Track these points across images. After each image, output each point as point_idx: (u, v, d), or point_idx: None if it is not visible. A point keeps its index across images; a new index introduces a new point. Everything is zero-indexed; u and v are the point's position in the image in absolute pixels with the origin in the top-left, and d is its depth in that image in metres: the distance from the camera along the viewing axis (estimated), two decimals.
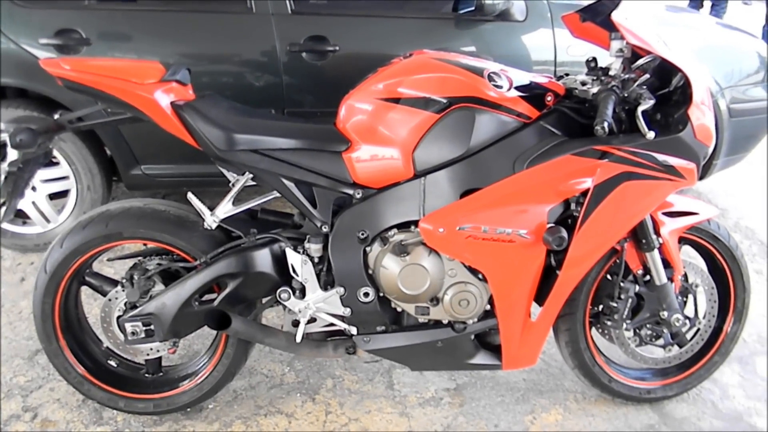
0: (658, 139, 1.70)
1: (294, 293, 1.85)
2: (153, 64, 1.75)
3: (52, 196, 2.98)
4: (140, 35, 2.83)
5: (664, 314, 2.00)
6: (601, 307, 2.05)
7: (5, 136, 2.79)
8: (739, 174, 4.17)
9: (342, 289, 1.84)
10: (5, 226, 2.99)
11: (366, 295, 1.85)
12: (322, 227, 1.83)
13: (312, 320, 1.94)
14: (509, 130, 1.75)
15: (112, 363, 2.07)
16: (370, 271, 1.85)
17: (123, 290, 1.89)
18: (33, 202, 2.93)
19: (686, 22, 3.67)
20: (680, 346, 2.12)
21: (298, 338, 1.86)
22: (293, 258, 1.82)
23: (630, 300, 1.97)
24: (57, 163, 2.91)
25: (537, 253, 1.77)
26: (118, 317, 1.90)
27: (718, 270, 2.12)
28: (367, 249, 1.83)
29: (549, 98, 1.80)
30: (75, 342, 2.00)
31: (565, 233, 1.71)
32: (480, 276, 1.82)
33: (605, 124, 1.58)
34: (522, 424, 2.11)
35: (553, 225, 1.73)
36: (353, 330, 1.88)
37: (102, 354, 2.07)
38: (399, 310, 1.90)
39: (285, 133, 1.79)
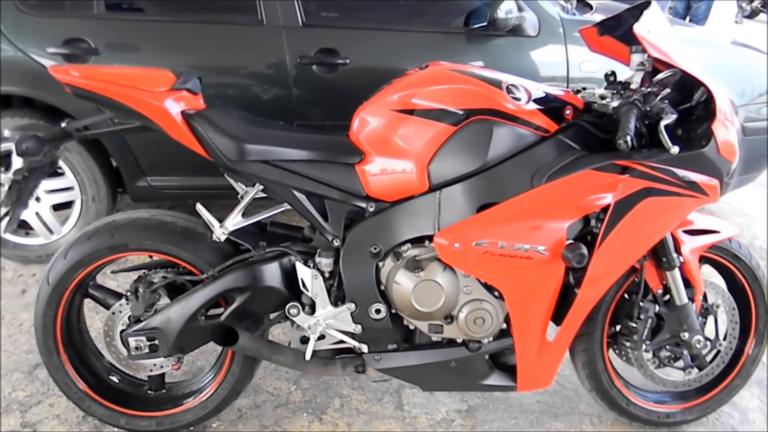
0: (681, 155, 1.64)
1: (303, 309, 1.79)
2: (163, 73, 1.71)
3: (56, 207, 2.94)
4: (149, 46, 2.80)
5: (685, 335, 1.94)
6: (619, 327, 1.99)
7: (11, 145, 2.76)
8: (751, 194, 4.11)
9: (353, 305, 1.78)
10: (7, 236, 2.94)
11: (378, 311, 1.79)
12: (334, 241, 1.77)
13: (321, 337, 1.88)
14: (527, 144, 1.71)
15: (114, 379, 2.01)
16: (383, 287, 1.79)
17: (127, 303, 1.83)
18: (36, 213, 2.88)
19: (697, 37, 3.64)
20: (700, 369, 2.05)
21: (308, 355, 1.79)
22: (303, 272, 1.76)
23: (650, 320, 1.91)
24: (62, 174, 2.86)
25: (555, 271, 1.71)
26: (122, 331, 1.84)
27: (739, 290, 2.06)
28: (380, 264, 1.78)
29: (568, 112, 1.76)
30: (76, 356, 1.94)
31: (585, 250, 1.65)
32: (496, 293, 1.77)
33: (628, 138, 1.54)
34: None
35: (572, 242, 1.68)
36: (364, 348, 1.82)
37: (104, 369, 2.01)
38: (411, 327, 1.84)
39: (297, 144, 1.74)
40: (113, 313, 1.86)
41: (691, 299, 1.92)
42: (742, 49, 3.54)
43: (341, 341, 1.85)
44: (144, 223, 1.81)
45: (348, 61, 2.79)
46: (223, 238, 1.76)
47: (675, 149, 1.57)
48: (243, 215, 1.79)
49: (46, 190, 2.86)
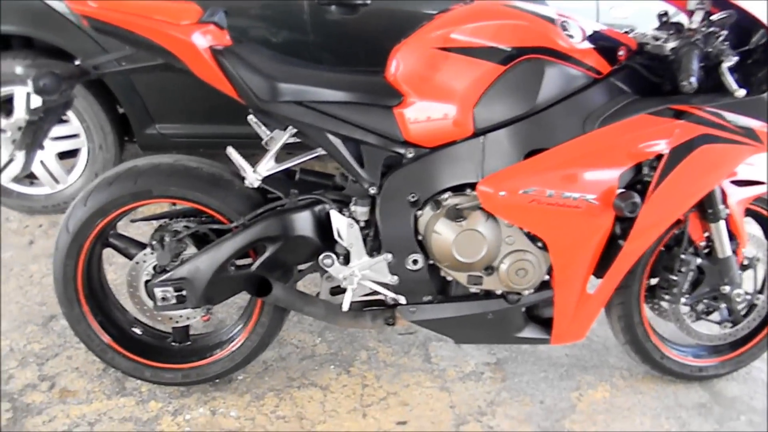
0: (741, 100, 1.56)
1: (337, 259, 1.71)
2: (189, 5, 1.59)
3: (61, 156, 2.82)
4: None
5: (726, 289, 1.89)
6: (656, 280, 1.93)
7: (12, 89, 2.63)
8: None
9: (390, 256, 1.71)
10: (11, 186, 2.82)
11: (415, 262, 1.72)
12: (370, 189, 1.69)
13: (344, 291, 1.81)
14: (579, 86, 1.61)
15: (137, 330, 1.94)
16: (420, 237, 1.72)
17: (152, 253, 1.75)
18: (41, 162, 2.76)
19: None
20: (735, 323, 2.01)
21: (345, 306, 1.72)
22: (338, 221, 1.68)
23: (691, 273, 1.85)
24: (67, 121, 2.73)
25: (604, 221, 1.64)
26: (146, 282, 1.77)
27: None
28: (418, 213, 1.70)
29: (621, 53, 1.66)
30: (98, 308, 1.86)
31: (638, 199, 1.58)
32: (540, 244, 1.70)
33: (692, 79, 1.46)
34: (568, 401, 2.01)
35: (624, 190, 1.60)
36: (401, 299, 1.75)
37: (126, 321, 1.94)
38: (449, 279, 1.77)
39: (332, 85, 1.64)
40: (137, 263, 1.78)
41: (734, 252, 1.87)
42: None
43: (373, 293, 1.78)
44: (168, 168, 1.72)
45: (368, 1, 2.64)
46: (256, 184, 1.67)
47: (741, 92, 1.49)
48: (275, 161, 1.69)
49: (51, 137, 2.73)
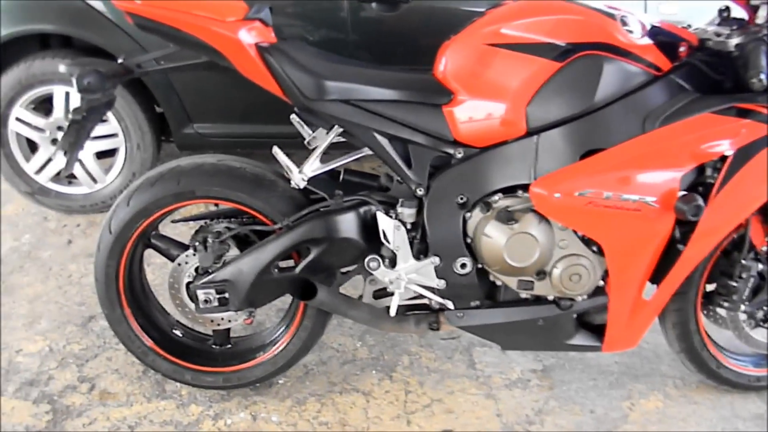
0: None
1: (383, 262, 1.66)
2: (235, 2, 1.55)
3: (99, 155, 2.81)
4: None
5: None
6: (714, 286, 1.85)
7: (52, 88, 2.63)
8: None
9: (437, 259, 1.65)
10: (50, 185, 2.83)
11: (463, 266, 1.66)
12: (417, 190, 1.64)
13: (390, 294, 1.77)
14: (639, 83, 1.54)
15: (177, 333, 1.92)
16: (469, 240, 1.66)
17: (194, 254, 1.72)
18: (80, 161, 2.76)
19: None
20: None
21: (392, 311, 1.68)
22: (385, 223, 1.63)
23: (752, 279, 1.76)
24: (105, 120, 2.72)
25: (664, 225, 1.57)
26: (188, 283, 1.74)
27: None
28: (467, 215, 1.64)
29: (682, 49, 1.58)
30: (139, 309, 1.84)
31: (702, 202, 1.50)
32: (595, 248, 1.63)
33: (762, 76, 1.39)
34: (620, 410, 1.93)
35: (686, 192, 1.52)
36: (449, 304, 1.69)
37: (167, 323, 1.91)
38: (498, 284, 1.70)
39: (380, 83, 1.59)
40: (179, 265, 1.75)
41: None
42: None
43: (417, 296, 1.73)
44: (211, 168, 1.68)
45: None
46: (302, 184, 1.63)
47: None
48: (320, 161, 1.65)
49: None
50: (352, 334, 2.20)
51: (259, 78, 1.57)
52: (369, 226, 1.66)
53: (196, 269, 1.73)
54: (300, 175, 1.62)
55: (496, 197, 1.62)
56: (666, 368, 2.12)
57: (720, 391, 2.01)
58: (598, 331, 1.78)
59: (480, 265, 1.68)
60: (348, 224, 1.65)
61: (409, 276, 1.67)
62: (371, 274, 1.68)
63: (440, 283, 1.68)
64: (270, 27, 1.62)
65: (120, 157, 2.80)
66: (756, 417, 1.93)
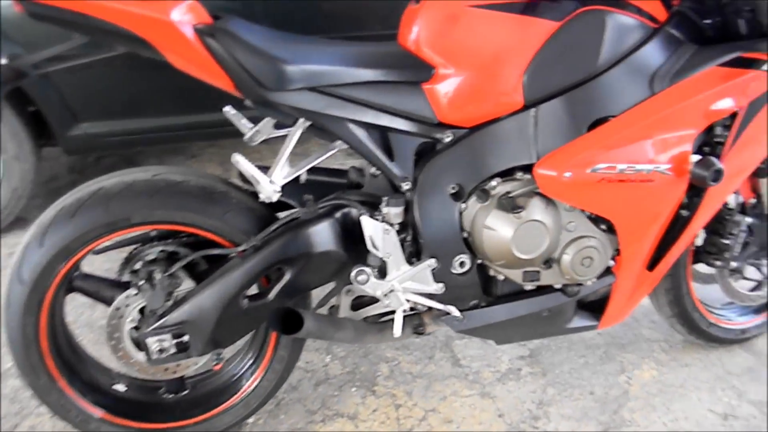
0: None
1: (372, 272, 1.41)
2: None
3: None
4: None
5: None
6: (701, 244, 1.77)
7: None
8: None
9: (434, 261, 1.43)
10: None
11: (462, 264, 1.45)
12: (403, 184, 1.39)
13: (368, 302, 1.53)
14: (641, 39, 1.37)
15: (119, 387, 1.57)
16: (465, 235, 1.45)
17: (136, 294, 1.38)
18: None
19: None
20: None
21: (397, 332, 1.43)
22: (372, 227, 1.37)
23: (742, 234, 1.69)
24: None
25: (677, 192, 1.43)
26: (134, 329, 1.41)
27: None
28: (462, 207, 1.42)
29: None
30: (69, 369, 1.48)
31: (720, 165, 1.37)
32: (604, 226, 1.47)
33: None
34: (619, 387, 1.83)
35: (702, 156, 1.39)
36: (453, 310, 1.48)
37: (106, 379, 1.56)
38: (500, 278, 1.51)
39: (349, 62, 1.31)
40: (117, 309, 1.40)
41: None
42: None
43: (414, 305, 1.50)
44: (147, 186, 1.34)
45: None
46: (275, 197, 1.33)
47: None
48: (290, 164, 1.36)
49: None
50: (317, 348, 1.94)
51: (200, 68, 1.25)
52: (350, 233, 1.40)
53: (141, 310, 1.40)
54: (271, 186, 1.32)
55: (493, 183, 1.41)
56: (647, 332, 2.05)
57: (706, 349, 1.97)
58: (594, 309, 1.65)
59: (480, 261, 1.47)
60: (326, 235, 1.38)
61: (404, 285, 1.43)
62: (349, 285, 1.43)
63: (438, 288, 1.46)
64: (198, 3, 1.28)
65: None
66: (748, 371, 1.89)
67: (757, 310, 1.97)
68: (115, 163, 2.78)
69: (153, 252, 1.44)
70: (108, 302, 1.42)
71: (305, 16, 2.58)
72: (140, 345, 1.40)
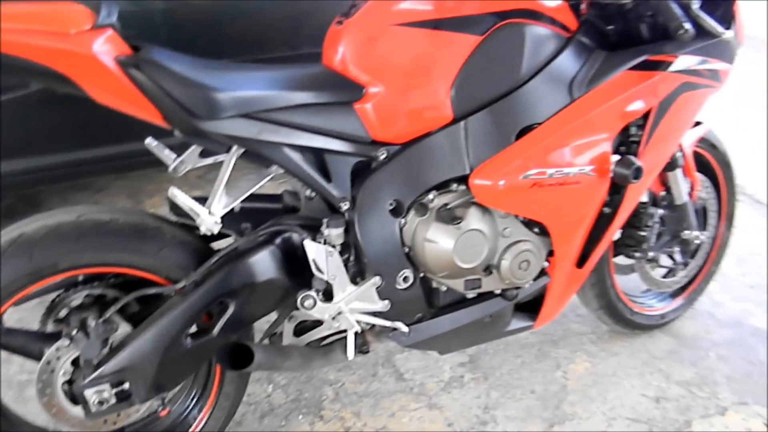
0: (708, 43, 1.50)
1: (317, 296, 1.39)
2: (73, 5, 1.13)
3: None
4: None
5: (686, 234, 1.88)
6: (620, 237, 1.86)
7: None
8: None
9: (378, 279, 1.43)
10: None
11: (405, 279, 1.46)
12: (342, 204, 1.39)
13: (311, 326, 1.51)
14: (557, 49, 1.44)
15: None
16: (407, 249, 1.46)
17: (68, 345, 1.29)
18: None
19: None
20: (686, 264, 2.02)
21: (350, 353, 1.42)
22: (315, 251, 1.35)
23: (657, 226, 1.80)
24: None
25: (601, 191, 1.51)
26: (67, 382, 1.31)
27: (712, 178, 2.03)
28: (401, 222, 1.43)
29: (583, 5, 1.51)
30: None
31: (640, 162, 1.45)
32: (537, 230, 1.52)
33: (687, 25, 1.34)
34: (557, 382, 1.90)
35: (621, 156, 1.47)
36: (401, 326, 1.48)
37: None
38: (443, 289, 1.53)
39: (280, 86, 1.30)
40: (48, 363, 1.30)
41: (689, 196, 1.85)
42: None
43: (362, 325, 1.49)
44: (72, 229, 1.26)
45: None
46: (216, 228, 1.28)
47: (729, 33, 1.42)
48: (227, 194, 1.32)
49: None
50: (257, 379, 1.88)
51: (125, 101, 1.19)
52: (292, 259, 1.38)
53: (74, 361, 1.31)
54: (211, 218, 1.27)
55: (430, 196, 1.43)
56: (576, 326, 2.14)
57: (631, 337, 2.08)
58: (528, 309, 1.71)
59: (422, 274, 1.49)
60: (268, 263, 1.34)
61: (351, 305, 1.42)
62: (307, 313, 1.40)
63: (384, 305, 1.46)
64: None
65: None
66: (670, 353, 2.02)
67: (673, 295, 2.11)
68: (13, 204, 2.59)
69: (78, 297, 1.35)
70: (37, 357, 1.32)
71: (209, 41, 2.53)
72: (76, 399, 1.31)
